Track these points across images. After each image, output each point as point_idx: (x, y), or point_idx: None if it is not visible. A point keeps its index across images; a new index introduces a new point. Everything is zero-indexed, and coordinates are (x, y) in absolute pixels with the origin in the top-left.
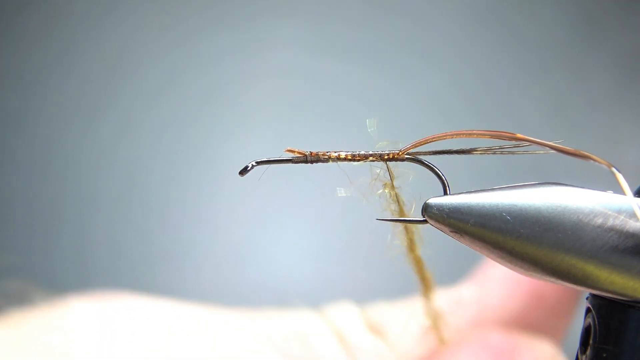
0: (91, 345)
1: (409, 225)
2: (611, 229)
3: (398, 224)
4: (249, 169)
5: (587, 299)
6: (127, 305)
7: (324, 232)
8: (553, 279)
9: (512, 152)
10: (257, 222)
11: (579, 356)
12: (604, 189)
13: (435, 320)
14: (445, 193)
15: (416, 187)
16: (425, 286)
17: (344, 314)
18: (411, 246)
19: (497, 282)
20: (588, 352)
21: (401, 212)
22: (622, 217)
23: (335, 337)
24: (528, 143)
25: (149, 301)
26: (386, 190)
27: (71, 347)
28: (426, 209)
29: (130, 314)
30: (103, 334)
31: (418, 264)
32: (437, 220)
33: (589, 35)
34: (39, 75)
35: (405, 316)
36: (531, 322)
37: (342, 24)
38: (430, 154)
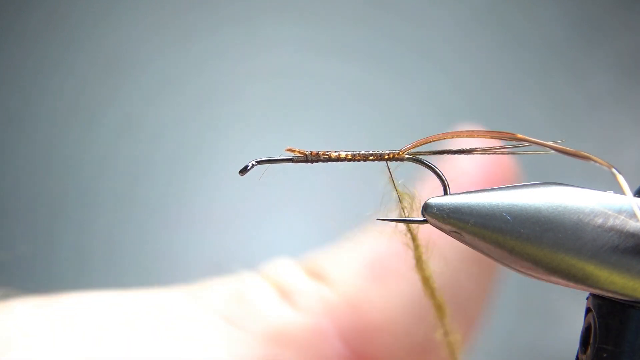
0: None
1: (416, 237)
2: (611, 229)
3: (399, 224)
4: (249, 168)
5: (587, 299)
6: (67, 302)
7: (324, 231)
8: (553, 279)
9: (512, 152)
10: (257, 221)
11: (579, 356)
12: (604, 189)
13: (451, 345)
14: (445, 193)
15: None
16: (439, 312)
17: (282, 268)
18: (419, 263)
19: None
20: (588, 352)
21: (402, 212)
22: (622, 217)
23: (275, 289)
24: (528, 143)
25: (86, 295)
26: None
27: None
28: (426, 208)
29: (70, 311)
30: (45, 335)
31: (427, 284)
32: (437, 220)
33: (589, 35)
34: (39, 75)
35: (344, 256)
36: None
37: (342, 24)
38: (430, 154)
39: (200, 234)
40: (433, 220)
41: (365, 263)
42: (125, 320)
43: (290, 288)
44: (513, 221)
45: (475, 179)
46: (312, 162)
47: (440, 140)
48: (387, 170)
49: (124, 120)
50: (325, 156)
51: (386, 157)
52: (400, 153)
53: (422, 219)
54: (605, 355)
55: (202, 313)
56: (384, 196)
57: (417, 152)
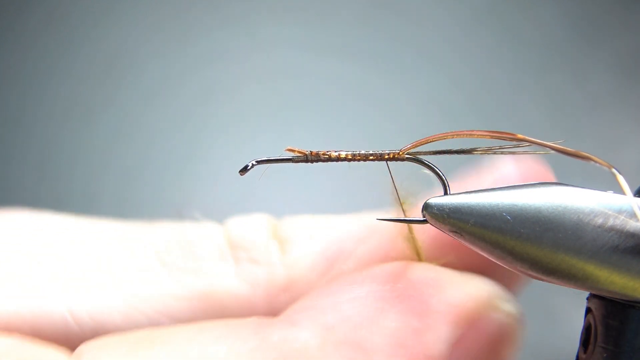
0: None
1: (415, 236)
2: (611, 229)
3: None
4: (249, 168)
5: (587, 299)
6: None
7: None
8: (553, 279)
9: (512, 152)
10: None
11: (579, 356)
12: (604, 189)
13: None
14: (445, 193)
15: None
16: None
17: (248, 222)
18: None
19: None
20: (588, 351)
21: (403, 212)
22: (622, 217)
23: (226, 242)
24: (528, 143)
25: (35, 215)
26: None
27: None
28: (426, 208)
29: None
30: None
31: None
32: (437, 220)
33: (589, 35)
34: (37, 75)
35: (318, 233)
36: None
37: (341, 24)
38: (430, 154)
39: None
40: (433, 220)
41: (329, 254)
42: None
43: (245, 244)
44: (513, 221)
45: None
46: (312, 162)
47: (440, 140)
48: (388, 170)
49: (122, 120)
50: (325, 156)
51: (386, 157)
52: (400, 153)
53: (422, 219)
54: (605, 355)
55: (137, 250)
56: (385, 196)
57: (417, 152)
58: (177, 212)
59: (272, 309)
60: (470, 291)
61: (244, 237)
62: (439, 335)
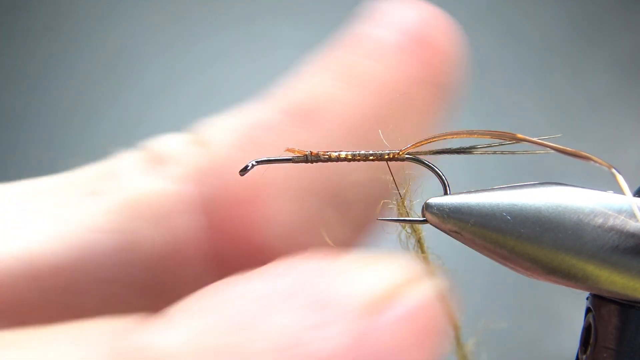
0: None
1: (421, 238)
2: (611, 229)
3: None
4: (248, 168)
5: (587, 299)
6: None
7: None
8: (553, 279)
9: (512, 152)
10: None
11: (579, 356)
12: (604, 189)
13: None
14: (445, 193)
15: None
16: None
17: (167, 138)
18: (425, 265)
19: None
20: (588, 351)
21: (403, 212)
22: (622, 217)
23: (149, 158)
24: (528, 143)
25: None
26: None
27: None
28: (426, 208)
29: None
30: None
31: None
32: (437, 220)
33: (589, 35)
34: (39, 74)
35: (232, 120)
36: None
37: (341, 24)
38: (430, 154)
39: None
40: (433, 220)
41: (248, 132)
42: None
43: (167, 155)
44: (513, 221)
45: None
46: (312, 162)
47: (440, 140)
48: (388, 170)
49: (123, 119)
50: (325, 156)
51: (386, 157)
52: (400, 153)
53: (422, 219)
54: (605, 355)
55: (63, 188)
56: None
57: (417, 152)
58: (104, 151)
59: (209, 200)
60: (377, 273)
61: (165, 150)
62: (340, 328)
